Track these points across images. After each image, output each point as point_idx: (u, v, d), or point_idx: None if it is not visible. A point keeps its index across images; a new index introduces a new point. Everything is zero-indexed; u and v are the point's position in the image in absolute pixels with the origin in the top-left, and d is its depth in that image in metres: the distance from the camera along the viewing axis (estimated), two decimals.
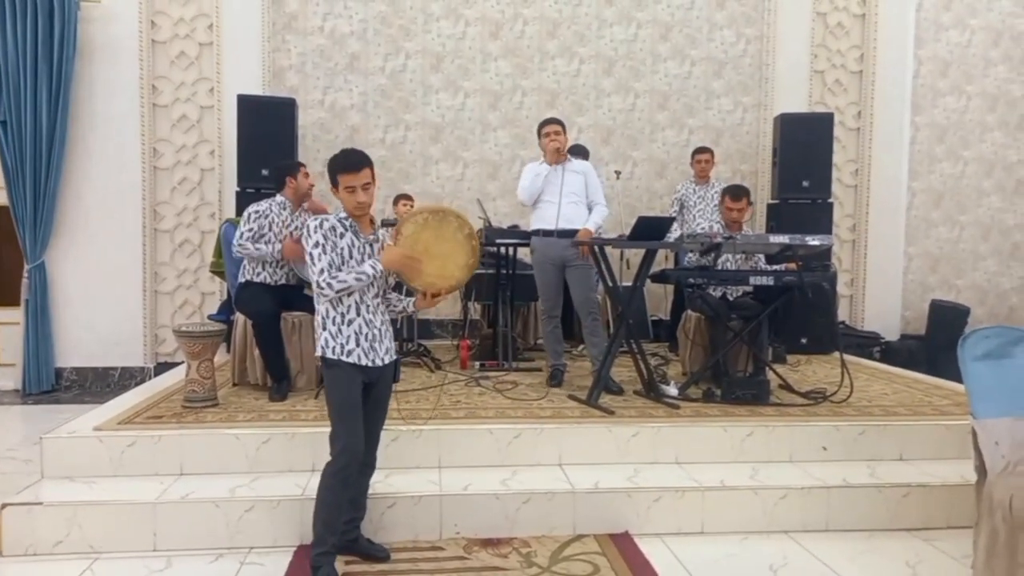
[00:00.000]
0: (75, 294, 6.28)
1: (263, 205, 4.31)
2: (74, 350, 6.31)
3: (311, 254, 2.72)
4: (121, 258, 6.28)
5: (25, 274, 6.10)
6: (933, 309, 7.14)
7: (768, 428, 3.75)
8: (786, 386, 4.50)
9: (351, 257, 2.79)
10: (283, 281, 4.34)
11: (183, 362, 4.43)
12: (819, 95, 7.04)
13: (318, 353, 2.82)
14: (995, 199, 7.50)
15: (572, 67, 6.99)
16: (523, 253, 5.42)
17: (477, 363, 5.17)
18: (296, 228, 4.29)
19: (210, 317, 5.61)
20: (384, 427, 3.03)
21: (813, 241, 4.22)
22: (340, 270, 2.73)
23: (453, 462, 3.54)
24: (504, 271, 5.28)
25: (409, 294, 3.07)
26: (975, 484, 2.65)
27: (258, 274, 4.30)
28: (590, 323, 4.52)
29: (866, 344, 6.82)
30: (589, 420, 3.80)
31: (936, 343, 6.79)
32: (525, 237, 4.90)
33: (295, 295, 4.35)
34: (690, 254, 4.67)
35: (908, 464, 3.71)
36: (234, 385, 4.45)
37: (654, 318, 6.70)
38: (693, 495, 3.34)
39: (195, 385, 3.93)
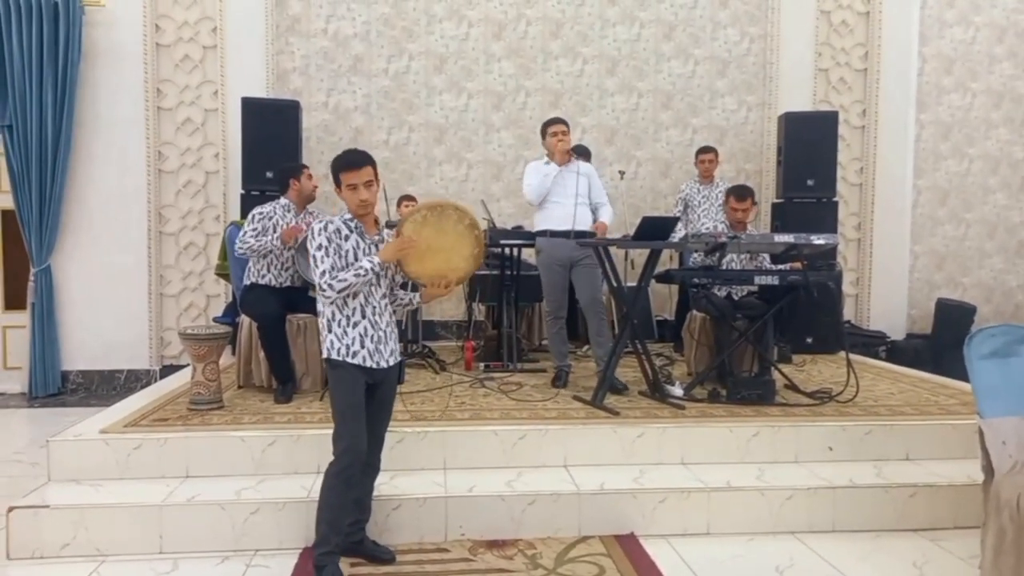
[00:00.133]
0: (81, 297, 6.30)
1: (267, 207, 4.33)
2: (80, 353, 6.33)
3: (314, 256, 2.73)
4: (126, 261, 6.29)
5: (31, 277, 6.12)
6: (939, 308, 7.12)
7: (774, 428, 3.74)
8: (792, 386, 4.49)
9: (356, 259, 2.79)
10: (288, 283, 4.36)
11: (188, 365, 4.44)
12: (823, 93, 7.02)
13: (324, 355, 2.83)
14: (1001, 196, 7.47)
15: (575, 67, 6.98)
16: (527, 254, 5.42)
17: (482, 364, 5.17)
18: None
19: (215, 319, 5.62)
20: (389, 429, 3.04)
21: (818, 240, 4.20)
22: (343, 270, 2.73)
23: (458, 464, 3.54)
24: (508, 272, 5.28)
25: (415, 288, 3.07)
26: (982, 484, 2.64)
27: (263, 276, 4.31)
28: (597, 323, 4.51)
29: (872, 343, 6.79)
30: (594, 421, 3.80)
31: (942, 342, 6.77)
32: (529, 238, 4.90)
33: (300, 297, 4.35)
34: (695, 254, 4.67)
35: (915, 464, 3.70)
36: (239, 387, 4.46)
37: (659, 318, 6.69)
38: (699, 496, 3.33)
39: (200, 387, 3.94)
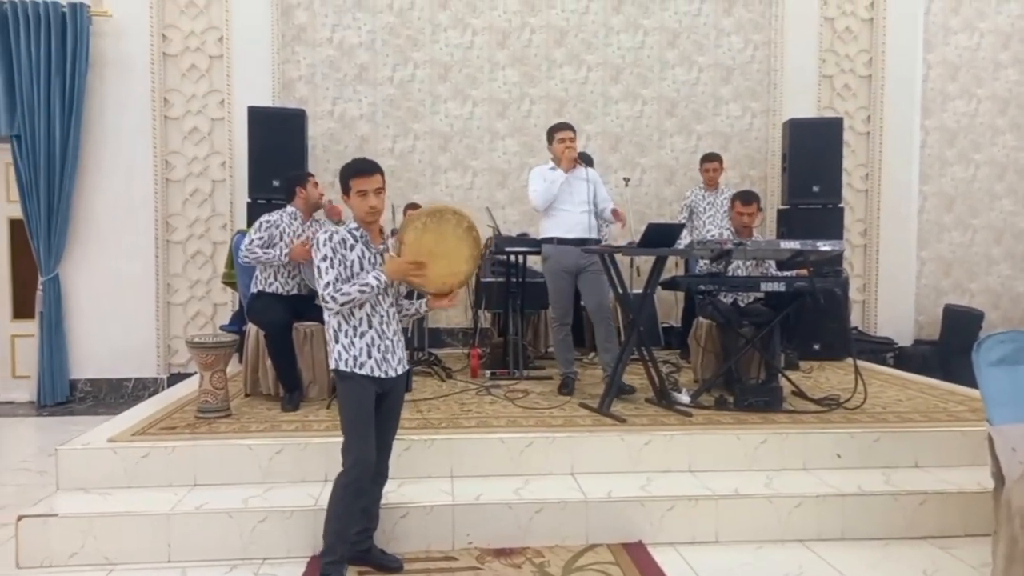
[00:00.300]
0: (88, 306, 6.33)
1: (274, 215, 4.34)
2: (88, 362, 6.35)
3: (319, 267, 2.74)
4: (134, 270, 6.32)
5: (39, 286, 6.15)
6: (946, 314, 7.09)
7: (782, 435, 3.73)
8: (799, 393, 4.47)
9: (362, 269, 2.80)
10: (295, 291, 4.36)
11: (196, 373, 4.45)
12: (828, 100, 7.02)
13: (332, 366, 2.83)
14: (1007, 202, 7.45)
15: (580, 75, 7.00)
16: (532, 261, 5.42)
17: (488, 372, 5.18)
18: (307, 238, 4.30)
19: (222, 328, 5.64)
20: (396, 437, 3.04)
21: (824, 246, 4.18)
22: (348, 283, 2.73)
23: (465, 471, 3.54)
24: (514, 279, 5.28)
25: (420, 297, 3.08)
26: (992, 491, 2.63)
27: (270, 284, 4.32)
28: (604, 330, 4.51)
29: (879, 349, 6.77)
30: (601, 428, 3.79)
31: (950, 348, 6.74)
32: (535, 245, 4.89)
33: (307, 305, 4.36)
34: (701, 261, 4.66)
35: (924, 471, 3.68)
36: (246, 396, 4.47)
37: (665, 325, 6.68)
38: (707, 503, 3.32)
39: (208, 396, 3.94)
